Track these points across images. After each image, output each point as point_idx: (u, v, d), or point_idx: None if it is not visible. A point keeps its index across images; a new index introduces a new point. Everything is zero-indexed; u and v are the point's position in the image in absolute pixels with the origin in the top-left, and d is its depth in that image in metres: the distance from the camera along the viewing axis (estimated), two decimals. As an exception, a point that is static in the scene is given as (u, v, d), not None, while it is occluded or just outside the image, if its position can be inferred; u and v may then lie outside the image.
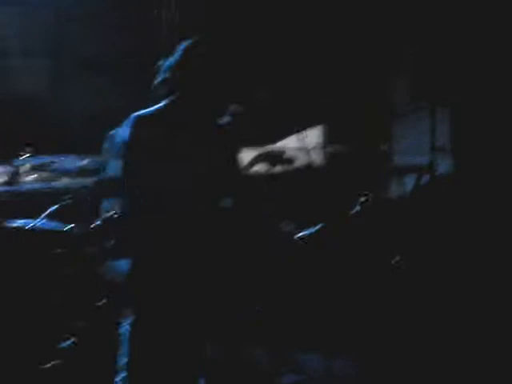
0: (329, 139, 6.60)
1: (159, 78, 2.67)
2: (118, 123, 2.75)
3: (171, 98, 2.66)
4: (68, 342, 3.84)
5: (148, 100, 2.71)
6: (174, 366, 2.66)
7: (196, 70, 2.62)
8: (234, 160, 2.82)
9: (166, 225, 2.61)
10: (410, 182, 6.05)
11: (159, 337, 2.63)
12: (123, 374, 2.64)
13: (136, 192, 2.61)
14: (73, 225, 3.64)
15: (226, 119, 2.75)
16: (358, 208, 3.40)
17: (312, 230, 3.38)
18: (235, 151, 2.82)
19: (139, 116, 2.65)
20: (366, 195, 3.41)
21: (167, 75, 2.64)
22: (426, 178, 6.02)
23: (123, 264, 2.64)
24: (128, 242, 2.65)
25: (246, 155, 6.39)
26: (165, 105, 2.67)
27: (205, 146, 2.68)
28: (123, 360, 2.64)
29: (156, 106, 2.69)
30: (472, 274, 4.84)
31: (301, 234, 3.09)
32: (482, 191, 5.74)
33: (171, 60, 2.66)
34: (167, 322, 2.63)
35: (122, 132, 2.65)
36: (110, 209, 2.57)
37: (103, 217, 2.60)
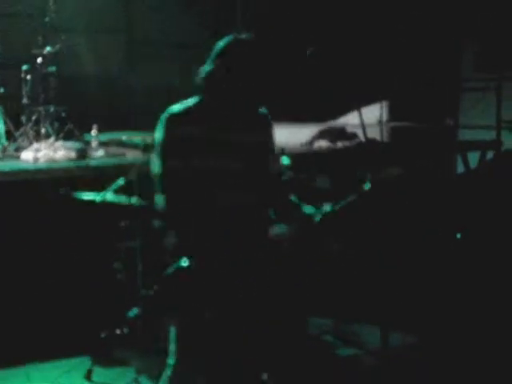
0: (392, 115, 6.56)
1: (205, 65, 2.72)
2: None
3: (208, 90, 2.69)
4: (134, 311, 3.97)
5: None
6: None
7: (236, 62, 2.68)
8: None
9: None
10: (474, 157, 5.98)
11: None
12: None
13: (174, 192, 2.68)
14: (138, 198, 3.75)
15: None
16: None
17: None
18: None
19: (170, 115, 2.68)
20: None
21: (211, 63, 2.71)
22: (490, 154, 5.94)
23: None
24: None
25: (309, 131, 6.42)
26: (200, 99, 2.70)
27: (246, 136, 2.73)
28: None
29: (189, 102, 2.71)
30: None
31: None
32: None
33: (216, 50, 2.73)
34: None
35: (157, 133, 2.69)
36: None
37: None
